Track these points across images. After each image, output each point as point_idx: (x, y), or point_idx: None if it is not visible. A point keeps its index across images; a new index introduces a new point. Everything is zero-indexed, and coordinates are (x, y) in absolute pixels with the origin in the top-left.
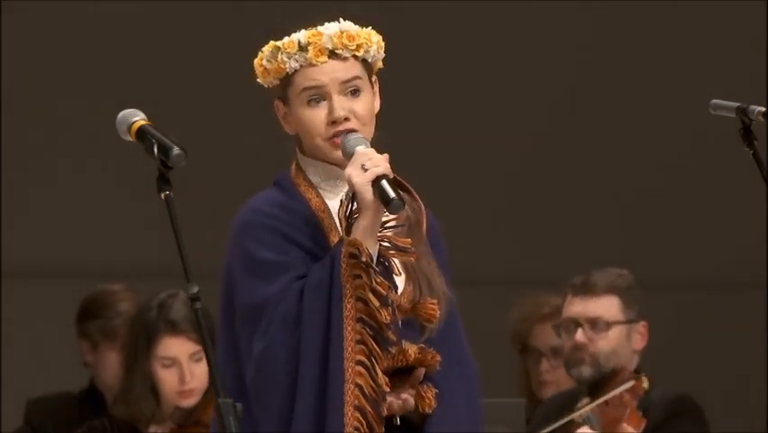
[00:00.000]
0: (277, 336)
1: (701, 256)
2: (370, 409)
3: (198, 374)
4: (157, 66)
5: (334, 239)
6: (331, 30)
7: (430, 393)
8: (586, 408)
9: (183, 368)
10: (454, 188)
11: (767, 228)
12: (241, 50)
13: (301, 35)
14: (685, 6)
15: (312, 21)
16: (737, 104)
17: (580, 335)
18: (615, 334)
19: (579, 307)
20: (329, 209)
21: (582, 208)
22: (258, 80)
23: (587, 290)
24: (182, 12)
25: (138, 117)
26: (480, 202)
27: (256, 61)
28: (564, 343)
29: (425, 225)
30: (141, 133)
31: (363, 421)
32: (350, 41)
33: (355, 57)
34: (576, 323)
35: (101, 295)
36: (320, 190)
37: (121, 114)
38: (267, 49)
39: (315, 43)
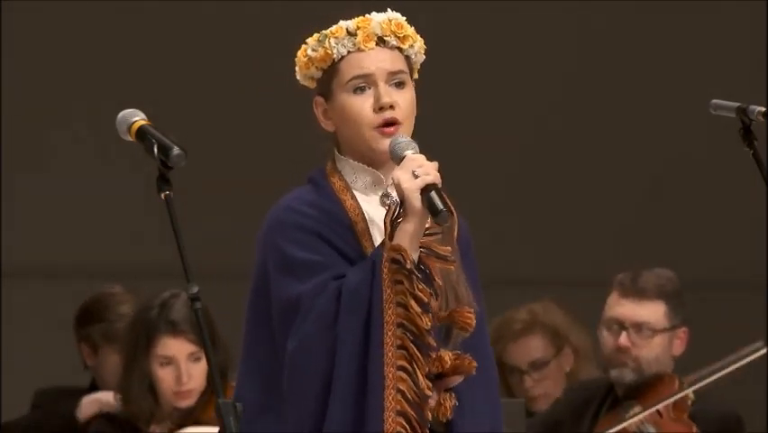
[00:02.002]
0: (311, 334)
1: (701, 256)
2: (413, 414)
3: (196, 375)
4: (157, 66)
5: (366, 243)
6: (380, 17)
7: (448, 403)
8: (639, 416)
9: (180, 368)
10: (453, 189)
11: (767, 228)
12: (241, 51)
13: (349, 21)
14: (685, 6)
15: (314, 21)
16: (737, 104)
17: (624, 338)
18: (658, 340)
19: (626, 309)
20: (363, 212)
21: (582, 208)
22: (297, 77)
23: (636, 292)
24: (182, 12)
25: (138, 117)
26: (480, 202)
27: (299, 53)
28: (606, 341)
29: (456, 232)
30: (141, 133)
31: (407, 426)
32: (398, 29)
33: (400, 49)
34: (621, 325)
35: (100, 298)
36: (355, 192)
37: (121, 114)
38: (312, 39)
39: (364, 28)
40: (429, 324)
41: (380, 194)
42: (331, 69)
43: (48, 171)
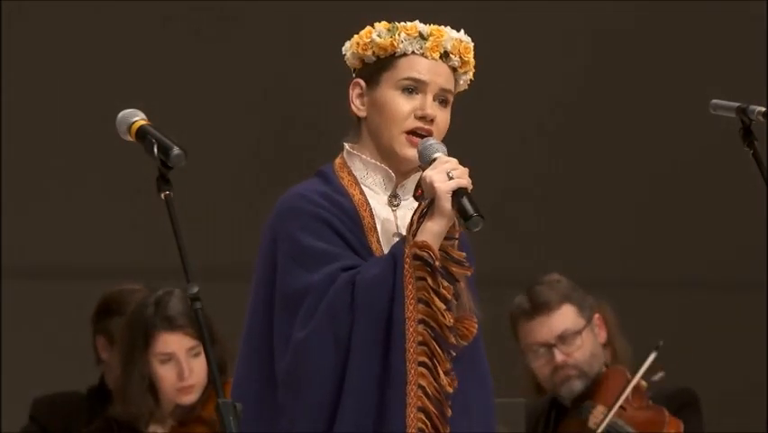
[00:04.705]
0: (322, 325)
1: (701, 256)
2: (434, 410)
3: (197, 370)
4: (157, 66)
5: (372, 238)
6: (454, 34)
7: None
8: (607, 417)
9: (181, 364)
10: None
11: (767, 228)
12: (242, 51)
13: (424, 25)
14: (685, 6)
15: (312, 22)
16: (737, 104)
17: (558, 355)
18: (585, 338)
19: (542, 329)
20: (370, 207)
21: (582, 208)
22: (347, 53)
23: (541, 309)
24: (182, 12)
25: (138, 117)
26: (480, 202)
27: (363, 33)
28: (542, 368)
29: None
30: (141, 132)
31: (428, 422)
32: (465, 53)
33: (455, 71)
34: (548, 345)
35: (122, 293)
36: (364, 188)
37: (121, 114)
38: (382, 25)
39: (436, 38)
40: (451, 321)
41: (389, 194)
42: (387, 61)
43: (48, 171)
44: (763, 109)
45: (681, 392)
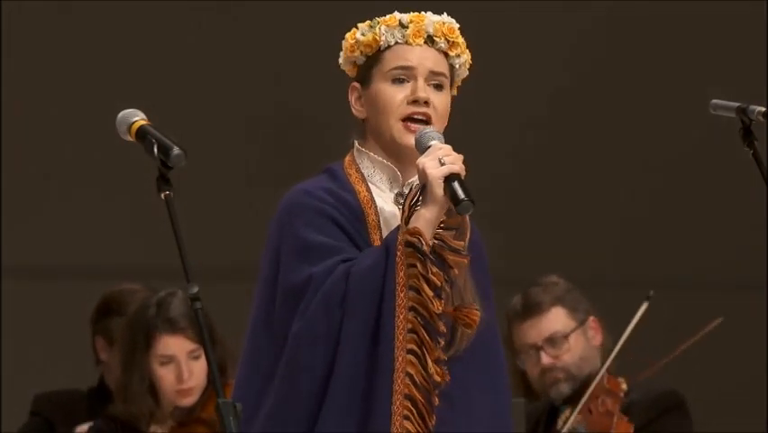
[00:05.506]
0: (317, 316)
1: (701, 256)
2: (420, 398)
3: (197, 373)
4: (157, 66)
5: (375, 235)
6: (434, 17)
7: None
8: (570, 420)
9: (181, 366)
10: None
11: (767, 228)
12: (242, 51)
13: (404, 14)
14: (685, 6)
15: (308, 22)
16: (737, 104)
17: (545, 358)
18: (574, 342)
19: (532, 331)
20: (376, 206)
21: (582, 208)
22: (340, 61)
23: (532, 311)
24: (183, 12)
25: (138, 117)
26: (478, 201)
27: (348, 35)
28: (530, 370)
29: (467, 236)
30: (141, 132)
31: (414, 410)
32: (450, 33)
33: (446, 55)
34: (536, 347)
35: (122, 293)
36: (370, 185)
37: (121, 114)
38: (363, 24)
39: (417, 23)
40: (440, 308)
41: (396, 192)
42: (375, 57)
43: (48, 171)
44: (763, 109)
45: (666, 395)
